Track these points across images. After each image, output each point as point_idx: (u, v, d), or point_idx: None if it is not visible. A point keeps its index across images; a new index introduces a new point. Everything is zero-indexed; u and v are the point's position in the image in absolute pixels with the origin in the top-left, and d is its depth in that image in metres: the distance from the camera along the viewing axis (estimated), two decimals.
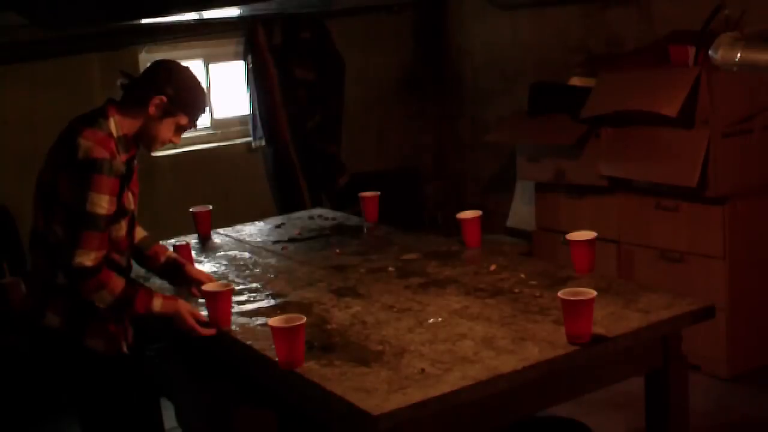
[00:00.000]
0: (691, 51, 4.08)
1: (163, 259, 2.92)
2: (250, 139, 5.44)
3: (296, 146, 5.45)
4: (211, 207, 3.77)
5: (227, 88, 5.53)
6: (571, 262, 2.86)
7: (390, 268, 3.09)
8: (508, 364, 2.21)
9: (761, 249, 4.06)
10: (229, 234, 3.77)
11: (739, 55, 3.18)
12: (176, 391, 3.09)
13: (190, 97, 2.64)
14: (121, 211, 2.57)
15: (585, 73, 4.74)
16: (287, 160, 5.43)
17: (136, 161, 2.69)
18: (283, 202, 5.42)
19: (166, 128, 2.62)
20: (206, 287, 2.66)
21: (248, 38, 5.34)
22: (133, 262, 2.84)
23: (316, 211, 4.13)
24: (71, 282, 2.46)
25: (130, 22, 4.66)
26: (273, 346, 2.32)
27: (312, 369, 2.27)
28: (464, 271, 2.99)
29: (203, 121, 5.37)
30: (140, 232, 2.89)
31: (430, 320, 2.55)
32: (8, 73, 4.64)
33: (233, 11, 5.09)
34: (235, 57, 5.45)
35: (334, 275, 3.07)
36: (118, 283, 2.50)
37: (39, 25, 4.15)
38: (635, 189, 4.26)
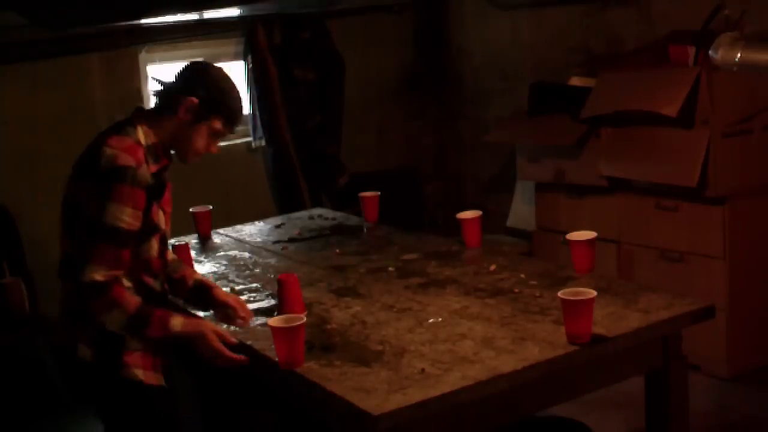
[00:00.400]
0: (691, 51, 4.08)
1: (191, 283, 2.64)
2: (250, 139, 5.44)
3: (296, 146, 5.45)
4: (211, 207, 3.77)
5: None
6: (571, 262, 2.86)
7: (390, 268, 3.09)
8: (508, 364, 2.21)
9: (761, 249, 4.06)
10: (229, 234, 3.77)
11: (739, 55, 3.18)
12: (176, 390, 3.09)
13: (224, 98, 2.41)
14: (151, 228, 2.35)
15: (585, 73, 4.74)
16: (287, 160, 5.43)
17: (168, 178, 2.49)
18: (283, 202, 5.42)
19: (200, 135, 2.40)
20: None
21: (248, 38, 5.34)
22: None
23: (316, 211, 4.13)
24: (80, 301, 2.23)
25: (130, 22, 4.66)
26: (273, 346, 2.32)
27: (312, 369, 2.27)
28: (464, 271, 2.99)
29: None
30: (169, 255, 2.65)
31: (430, 320, 2.55)
32: (8, 73, 4.63)
33: (233, 11, 5.09)
34: (235, 57, 5.45)
35: (334, 275, 3.07)
36: (131, 301, 2.25)
37: (39, 25, 4.15)
38: (635, 189, 4.26)
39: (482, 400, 2.16)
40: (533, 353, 2.26)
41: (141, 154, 2.31)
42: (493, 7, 5.64)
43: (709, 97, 3.86)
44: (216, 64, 2.50)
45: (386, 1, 5.81)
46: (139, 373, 2.35)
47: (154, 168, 2.37)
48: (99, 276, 2.20)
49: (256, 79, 5.35)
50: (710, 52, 3.33)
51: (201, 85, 2.38)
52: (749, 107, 3.96)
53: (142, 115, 2.41)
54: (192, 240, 3.65)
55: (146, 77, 5.12)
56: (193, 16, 4.95)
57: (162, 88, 2.44)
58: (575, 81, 4.71)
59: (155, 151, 2.38)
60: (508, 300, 2.67)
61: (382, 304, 2.72)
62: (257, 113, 5.37)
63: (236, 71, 5.47)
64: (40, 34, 4.40)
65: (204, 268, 3.28)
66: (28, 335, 4.05)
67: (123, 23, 4.65)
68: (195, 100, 2.36)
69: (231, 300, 2.58)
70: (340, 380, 2.18)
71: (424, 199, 6.15)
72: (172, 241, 3.47)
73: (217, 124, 2.41)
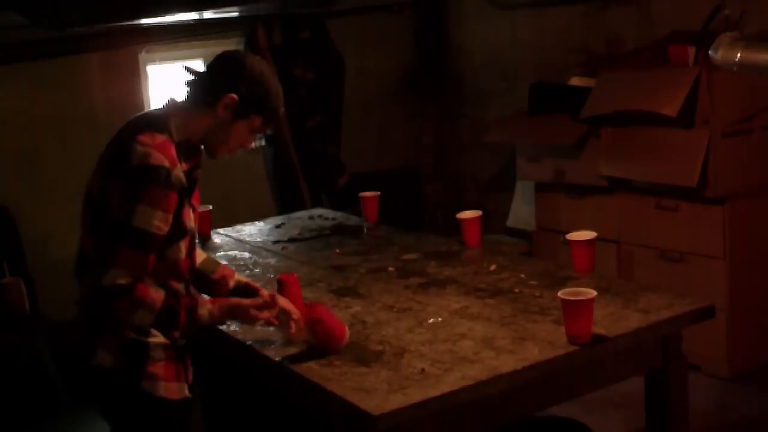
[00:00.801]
0: (691, 51, 4.08)
1: (232, 284, 2.53)
2: None
3: (296, 146, 5.45)
4: (211, 207, 3.77)
5: None
6: (571, 262, 2.86)
7: (390, 268, 3.08)
8: (508, 364, 2.21)
9: (761, 249, 4.06)
10: (229, 234, 3.77)
11: (739, 55, 3.19)
12: None
13: (266, 95, 2.29)
14: (179, 231, 2.20)
15: (585, 73, 4.75)
16: (287, 160, 5.43)
17: (199, 171, 2.32)
18: (283, 202, 5.42)
19: (237, 132, 2.27)
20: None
21: (248, 38, 5.34)
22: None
23: (316, 211, 4.13)
24: (101, 303, 2.11)
25: (130, 22, 4.66)
26: (273, 346, 2.31)
27: (312, 369, 2.27)
28: (464, 271, 2.99)
29: None
30: (201, 254, 2.53)
31: (430, 320, 2.55)
32: (8, 73, 4.64)
33: (233, 11, 5.09)
34: None
35: (334, 275, 3.07)
36: (156, 297, 2.12)
37: (39, 25, 4.15)
38: (635, 189, 4.26)
39: (482, 400, 2.16)
40: (533, 353, 2.26)
41: (173, 151, 2.14)
42: (493, 7, 5.64)
43: (709, 97, 3.86)
44: (251, 55, 2.36)
45: (386, 1, 5.81)
46: (161, 387, 2.22)
47: (185, 166, 2.21)
48: (122, 280, 2.07)
49: None
50: (710, 52, 3.33)
51: (241, 80, 2.24)
52: (749, 107, 3.96)
53: (176, 108, 2.25)
54: None
55: (146, 77, 5.12)
56: (193, 16, 4.95)
57: (197, 79, 2.30)
58: (575, 81, 4.71)
59: (188, 148, 2.24)
60: (508, 300, 2.67)
61: (382, 304, 2.72)
62: None
63: None
64: (40, 34, 4.41)
65: None
66: (28, 335, 4.06)
67: (123, 23, 4.65)
68: (235, 96, 2.23)
69: (284, 304, 2.45)
70: (340, 380, 2.18)
71: (424, 199, 6.15)
72: None
73: (257, 122, 2.29)
